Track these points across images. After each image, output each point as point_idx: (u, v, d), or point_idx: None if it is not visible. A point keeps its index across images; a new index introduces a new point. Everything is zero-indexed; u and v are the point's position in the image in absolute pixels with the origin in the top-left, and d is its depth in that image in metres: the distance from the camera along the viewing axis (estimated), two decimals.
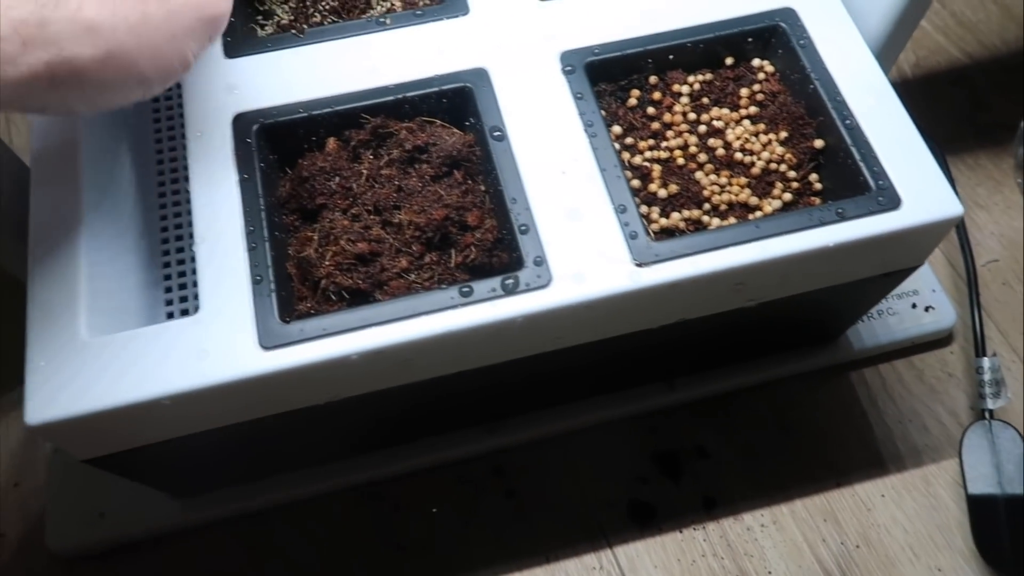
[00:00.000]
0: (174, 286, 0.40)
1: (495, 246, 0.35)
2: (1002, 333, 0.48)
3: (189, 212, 0.39)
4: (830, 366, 0.47)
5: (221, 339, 0.31)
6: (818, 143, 0.37)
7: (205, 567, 0.42)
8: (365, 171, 0.36)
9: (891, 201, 0.33)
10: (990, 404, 0.43)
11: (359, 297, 0.33)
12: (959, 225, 0.50)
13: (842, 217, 0.33)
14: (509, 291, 0.32)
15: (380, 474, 0.44)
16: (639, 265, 0.32)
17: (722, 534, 0.43)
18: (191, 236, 0.39)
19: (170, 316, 0.39)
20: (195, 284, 0.37)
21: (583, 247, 0.33)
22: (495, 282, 0.32)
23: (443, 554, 0.42)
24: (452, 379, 0.35)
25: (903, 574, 0.42)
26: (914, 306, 0.47)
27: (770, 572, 0.42)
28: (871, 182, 0.34)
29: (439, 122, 0.37)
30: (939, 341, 0.48)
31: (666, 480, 0.44)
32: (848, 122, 0.35)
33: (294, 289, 0.34)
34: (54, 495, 0.42)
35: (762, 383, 0.46)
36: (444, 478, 0.44)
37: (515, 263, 0.33)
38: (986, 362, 0.44)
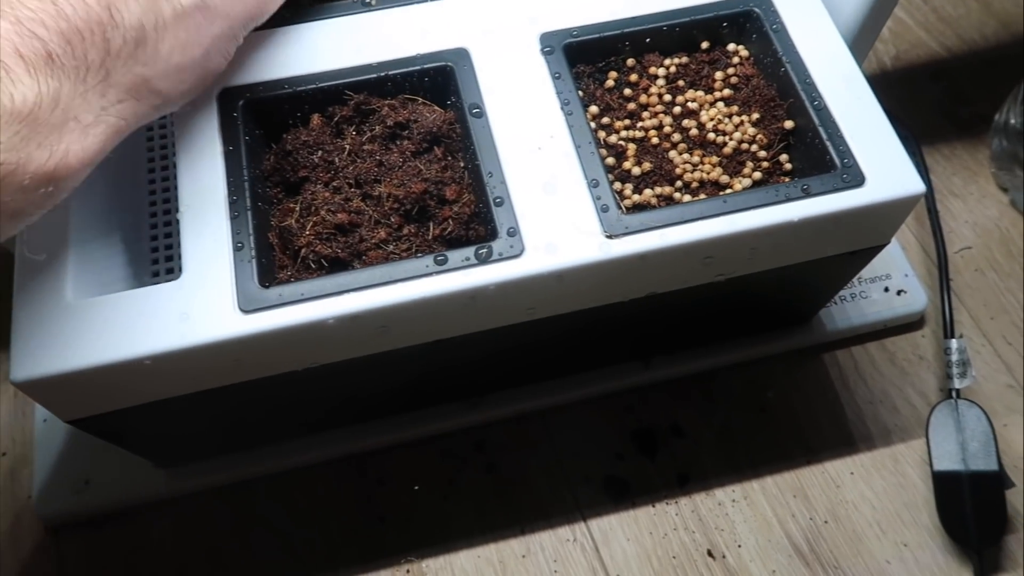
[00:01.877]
0: (161, 257, 0.41)
1: (472, 220, 0.36)
2: (974, 319, 0.49)
3: (176, 183, 0.40)
4: (804, 347, 0.48)
5: (201, 302, 0.32)
6: (788, 124, 0.38)
7: (189, 536, 0.43)
8: (348, 146, 0.37)
9: (855, 179, 0.34)
10: (957, 384, 0.44)
11: (338, 266, 0.34)
12: (932, 212, 0.51)
13: (807, 193, 0.34)
14: (483, 260, 0.33)
15: (363, 447, 0.45)
16: (609, 237, 0.33)
17: (694, 509, 0.44)
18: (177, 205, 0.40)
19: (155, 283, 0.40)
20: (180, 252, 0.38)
21: (556, 219, 0.34)
22: (469, 251, 0.33)
23: (422, 526, 0.43)
24: (429, 349, 0.36)
25: (870, 549, 0.42)
26: (887, 290, 0.48)
27: (740, 546, 0.43)
28: (837, 161, 0.35)
29: (421, 100, 0.38)
30: (911, 325, 0.49)
31: (642, 457, 0.45)
32: (817, 103, 0.36)
33: (275, 258, 0.35)
34: (41, 463, 0.43)
35: (736, 363, 0.47)
36: (426, 452, 0.45)
37: (490, 234, 0.34)
38: (954, 343, 0.45)
